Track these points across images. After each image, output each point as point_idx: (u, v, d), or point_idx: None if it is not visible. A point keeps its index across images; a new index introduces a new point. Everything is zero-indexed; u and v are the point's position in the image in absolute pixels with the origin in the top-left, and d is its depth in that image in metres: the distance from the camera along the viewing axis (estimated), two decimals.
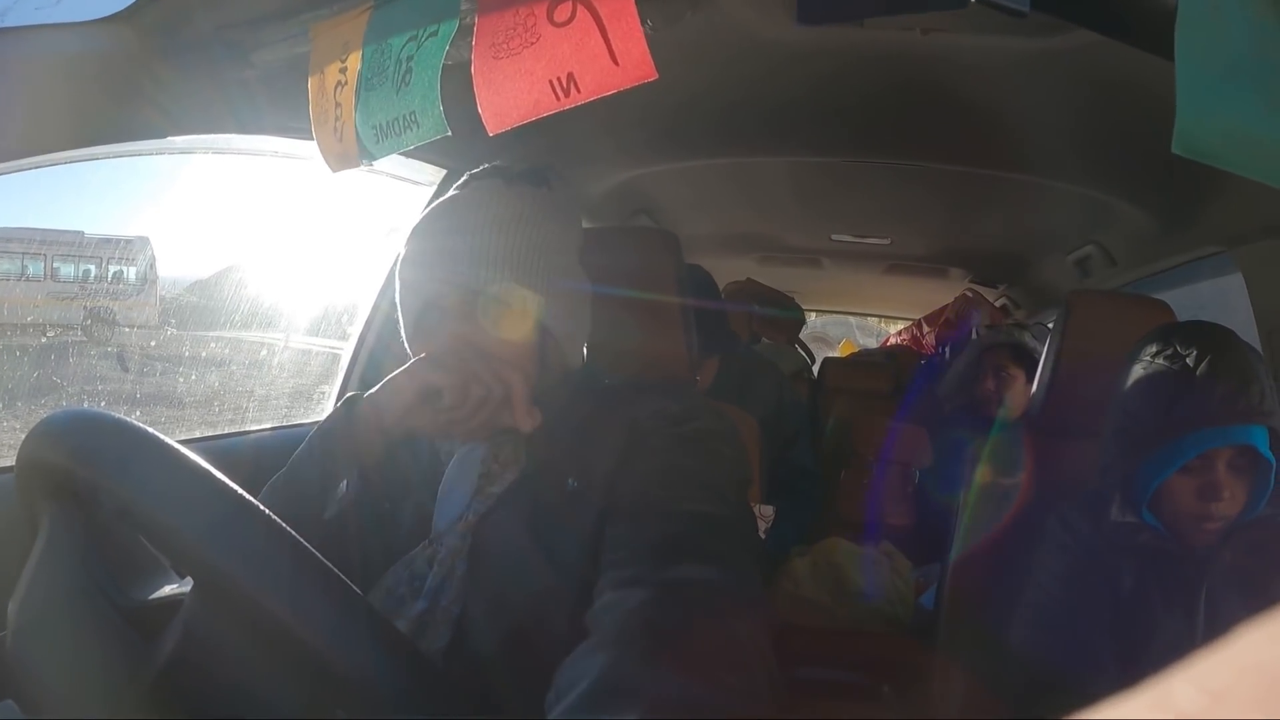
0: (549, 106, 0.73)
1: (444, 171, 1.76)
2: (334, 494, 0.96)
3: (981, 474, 1.53)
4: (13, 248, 1.91)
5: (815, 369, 3.58)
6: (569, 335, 1.01)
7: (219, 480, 0.66)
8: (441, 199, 1.01)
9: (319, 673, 0.61)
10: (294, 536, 0.65)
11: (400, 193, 1.86)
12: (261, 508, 0.65)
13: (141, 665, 0.67)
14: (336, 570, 0.65)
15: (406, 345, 1.00)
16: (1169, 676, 0.16)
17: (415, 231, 0.99)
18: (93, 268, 2.13)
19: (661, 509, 0.83)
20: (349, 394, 0.98)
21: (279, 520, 0.65)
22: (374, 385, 1.12)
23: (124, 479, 0.66)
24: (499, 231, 0.94)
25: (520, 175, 1.02)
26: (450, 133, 0.80)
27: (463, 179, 1.04)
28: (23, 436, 0.76)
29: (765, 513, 1.80)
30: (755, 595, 0.78)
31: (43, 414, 0.76)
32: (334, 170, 0.97)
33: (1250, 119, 0.62)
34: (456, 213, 0.97)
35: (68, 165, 1.13)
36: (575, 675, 0.64)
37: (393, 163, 1.63)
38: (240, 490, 0.66)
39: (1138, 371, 1.21)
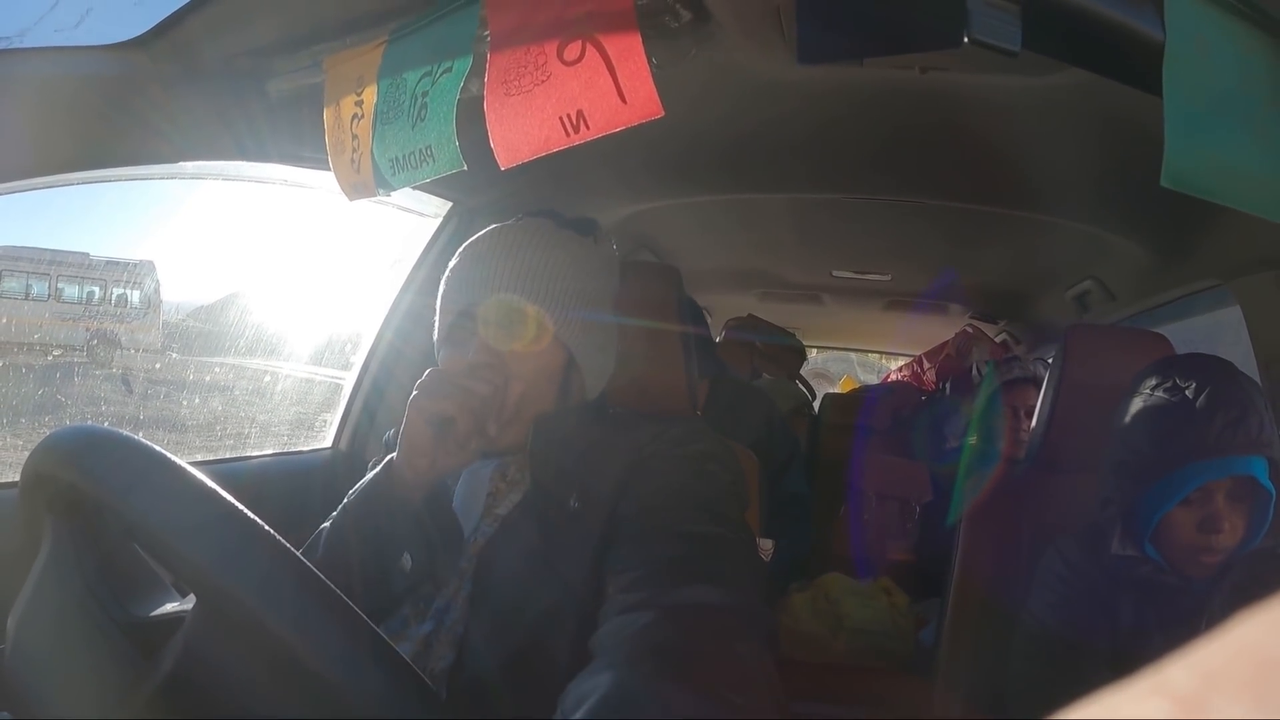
0: (559, 142, 0.75)
1: (449, 204, 1.78)
2: (395, 565, 0.93)
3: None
4: (20, 266, 1.93)
5: (816, 405, 3.58)
6: (594, 370, 1.04)
7: (225, 499, 0.66)
8: (498, 225, 1.05)
9: (321, 696, 0.61)
10: (299, 558, 0.66)
11: (406, 224, 1.87)
12: (267, 528, 0.65)
13: (140, 681, 0.66)
14: (341, 594, 0.65)
15: (436, 350, 1.04)
16: (1167, 662, 0.16)
17: (467, 246, 1.03)
18: (97, 289, 2.14)
19: (664, 531, 0.84)
20: (383, 458, 0.99)
21: (284, 541, 0.66)
22: (376, 413, 1.13)
23: (130, 495, 0.66)
24: (544, 258, 0.99)
25: (569, 222, 1.06)
26: (466, 167, 0.82)
27: (517, 217, 1.08)
28: (24, 455, 0.76)
29: (765, 546, 1.78)
30: (758, 615, 0.78)
31: (44, 434, 0.76)
32: (350, 199, 0.99)
33: (1238, 152, 0.63)
34: (507, 236, 1.01)
35: (76, 186, 1.15)
36: (581, 693, 0.64)
37: (398, 194, 1.65)
38: (245, 510, 0.66)
39: (1137, 404, 1.22)
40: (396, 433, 0.97)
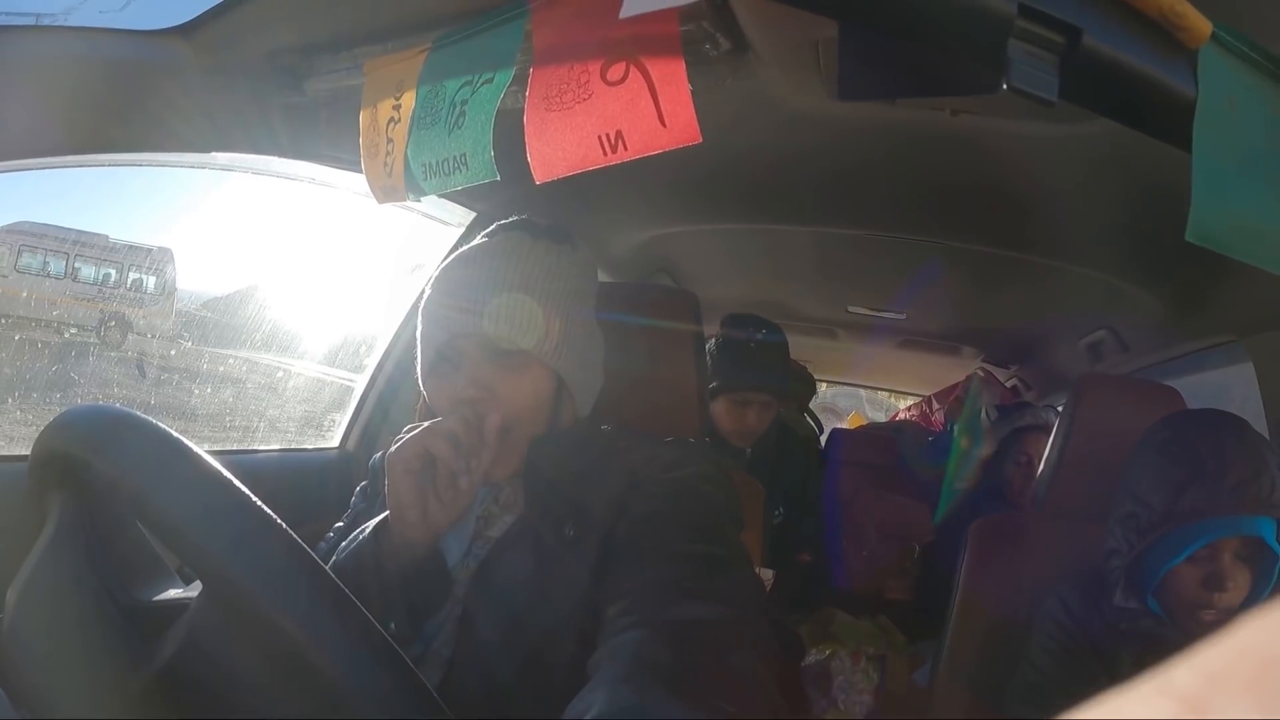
0: (595, 161, 0.75)
1: (473, 214, 1.79)
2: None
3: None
4: (44, 244, 1.94)
5: (823, 439, 3.57)
6: (582, 388, 1.03)
7: (240, 489, 0.66)
8: (468, 246, 1.04)
9: (323, 696, 0.60)
10: (309, 553, 0.65)
11: (428, 231, 1.88)
12: (280, 522, 0.66)
13: (137, 665, 0.66)
14: (352, 595, 0.65)
15: (421, 385, 1.02)
16: (1171, 662, 0.17)
17: (441, 274, 1.01)
18: (113, 272, 2.16)
19: (658, 553, 0.84)
20: (380, 521, 0.97)
21: (294, 534, 0.66)
22: (387, 414, 1.10)
23: (145, 478, 0.66)
24: (528, 282, 0.97)
25: (545, 231, 1.04)
26: (499, 177, 0.82)
27: (490, 229, 1.07)
28: (30, 429, 0.76)
29: (765, 576, 1.79)
30: (755, 629, 0.78)
31: (54, 411, 0.77)
32: (380, 202, 1.00)
33: (1263, 210, 0.64)
34: (482, 260, 1.00)
35: (105, 169, 1.16)
36: (576, 711, 0.64)
37: (423, 201, 1.66)
38: (259, 501, 0.66)
39: (1148, 457, 1.21)
40: (384, 456, 0.96)
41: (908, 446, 3.16)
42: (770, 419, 2.14)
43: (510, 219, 1.07)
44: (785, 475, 2.13)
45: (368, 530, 0.96)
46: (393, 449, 0.93)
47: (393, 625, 0.91)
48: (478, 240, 1.05)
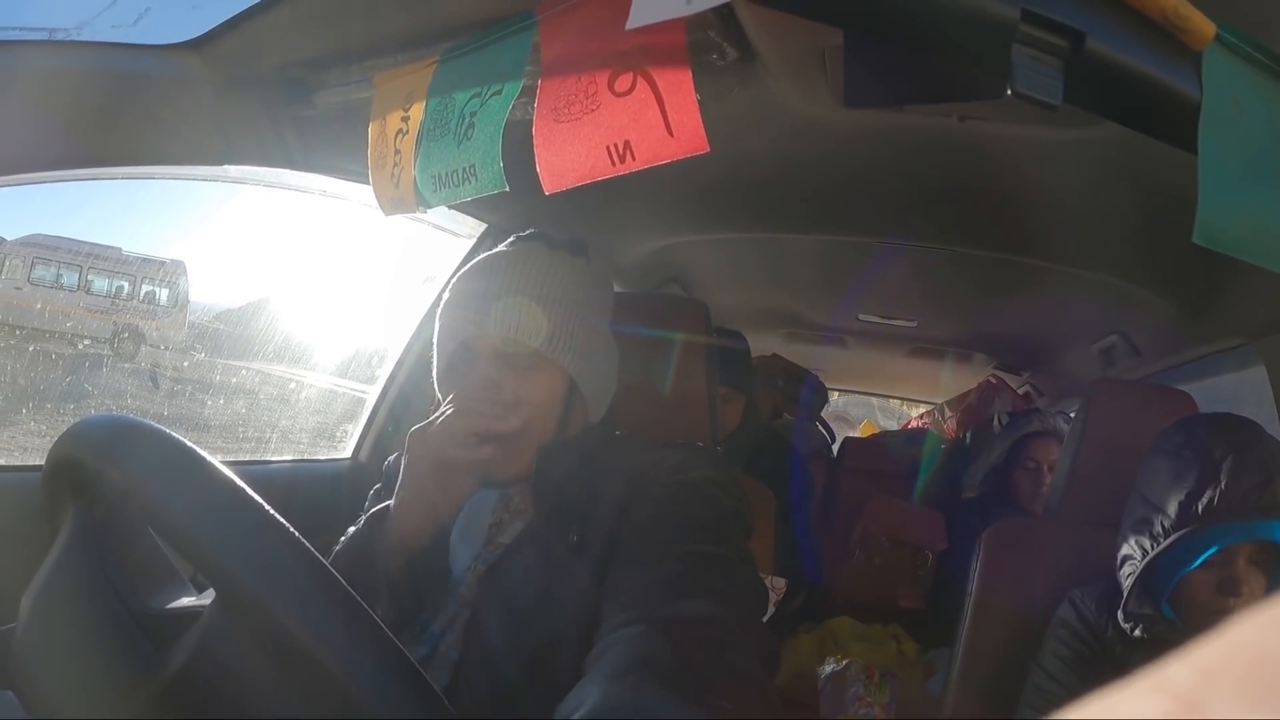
0: (604, 171, 0.76)
1: (483, 225, 1.80)
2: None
3: None
4: (58, 256, 1.96)
5: (835, 448, 3.56)
6: (595, 395, 1.04)
7: (255, 499, 0.66)
8: (488, 253, 1.05)
9: (338, 706, 0.60)
10: (321, 559, 0.66)
11: (439, 243, 1.89)
12: (289, 527, 0.66)
13: (150, 673, 0.66)
14: (363, 601, 0.65)
15: (436, 386, 1.03)
16: (1167, 660, 0.17)
17: (460, 279, 1.03)
18: (126, 284, 2.18)
19: (660, 552, 0.84)
20: (378, 508, 1.00)
21: (306, 543, 0.66)
22: (400, 424, 1.10)
23: (161, 487, 0.66)
24: (540, 287, 0.99)
25: (561, 243, 1.07)
26: (508, 188, 0.83)
27: (509, 239, 1.09)
28: (42, 440, 0.77)
29: (777, 585, 1.78)
30: (754, 628, 0.78)
31: (66, 423, 0.77)
32: (387, 214, 1.00)
33: (1270, 212, 0.63)
34: (501, 266, 1.02)
35: (119, 182, 1.17)
36: (569, 710, 0.64)
37: (434, 213, 1.66)
38: (271, 509, 0.66)
39: (1161, 463, 1.21)
40: (399, 458, 0.97)
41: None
42: (735, 416, 2.19)
43: (528, 231, 1.09)
44: (754, 474, 2.13)
45: (361, 527, 0.99)
46: (416, 445, 0.95)
47: (379, 611, 0.92)
48: (497, 249, 1.06)
